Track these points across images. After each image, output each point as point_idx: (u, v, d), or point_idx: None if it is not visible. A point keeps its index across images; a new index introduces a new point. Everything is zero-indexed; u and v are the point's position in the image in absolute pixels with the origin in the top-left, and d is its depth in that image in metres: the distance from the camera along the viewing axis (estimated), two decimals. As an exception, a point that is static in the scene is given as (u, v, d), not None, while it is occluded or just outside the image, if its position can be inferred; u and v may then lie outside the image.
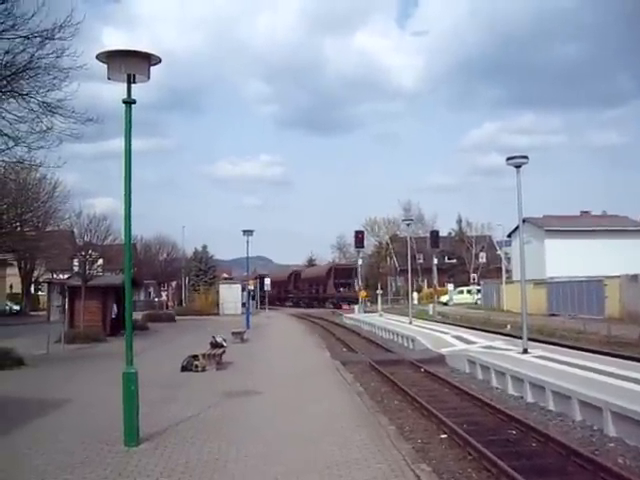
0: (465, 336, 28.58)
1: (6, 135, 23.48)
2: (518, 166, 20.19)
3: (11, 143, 23.50)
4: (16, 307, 64.37)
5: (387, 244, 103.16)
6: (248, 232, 44.36)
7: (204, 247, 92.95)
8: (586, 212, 68.98)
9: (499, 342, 24.95)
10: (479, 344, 24.64)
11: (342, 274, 78.67)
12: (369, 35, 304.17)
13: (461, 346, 24.74)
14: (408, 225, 54.21)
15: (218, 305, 66.49)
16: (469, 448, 10.70)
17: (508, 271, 66.83)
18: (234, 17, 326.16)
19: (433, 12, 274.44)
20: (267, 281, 71.50)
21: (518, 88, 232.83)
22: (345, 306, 71.07)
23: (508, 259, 71.20)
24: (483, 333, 31.14)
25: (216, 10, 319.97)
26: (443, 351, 23.85)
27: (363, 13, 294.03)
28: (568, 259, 52.64)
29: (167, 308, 64.90)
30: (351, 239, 72.64)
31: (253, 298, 63.17)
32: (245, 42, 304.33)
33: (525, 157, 20.14)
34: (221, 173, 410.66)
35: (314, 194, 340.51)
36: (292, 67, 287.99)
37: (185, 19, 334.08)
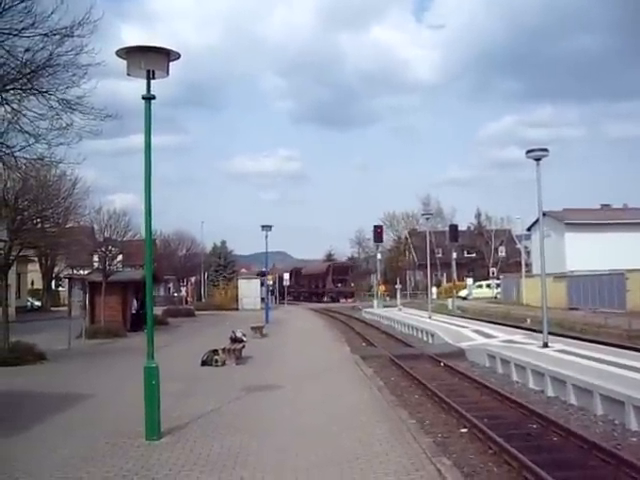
0: (485, 330, 28.50)
1: (27, 132, 23.63)
2: (538, 159, 20.10)
3: (32, 140, 23.64)
4: (37, 303, 64.98)
5: (406, 238, 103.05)
6: (267, 227, 44.43)
7: (223, 242, 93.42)
8: (606, 205, 68.31)
9: (519, 336, 24.89)
10: (499, 338, 24.58)
11: (339, 271, 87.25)
12: (386, 29, 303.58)
13: (481, 340, 24.67)
14: (427, 219, 53.93)
15: (237, 300, 66.69)
16: (490, 442, 10.66)
17: (528, 265, 66.45)
18: (250, 12, 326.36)
19: (450, 5, 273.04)
20: (286, 276, 71.67)
21: (535, 80, 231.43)
22: (342, 299, 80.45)
23: (528, 253, 70.76)
24: (503, 327, 31.04)
25: (232, 5, 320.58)
26: (463, 345, 23.79)
27: (380, 7, 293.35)
28: (588, 252, 52.16)
29: (187, 303, 65.13)
30: (370, 233, 72.75)
31: (272, 293, 63.36)
32: (261, 37, 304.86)
33: (545, 150, 20.05)
34: (239, 168, 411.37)
35: (332, 189, 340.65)
36: (308, 62, 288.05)
37: (202, 15, 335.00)
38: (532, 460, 9.20)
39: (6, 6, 21.65)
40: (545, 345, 20.13)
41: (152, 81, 9.79)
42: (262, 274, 74.56)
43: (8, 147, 23.74)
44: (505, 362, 18.86)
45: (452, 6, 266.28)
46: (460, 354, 22.76)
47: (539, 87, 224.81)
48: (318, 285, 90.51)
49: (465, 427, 12.05)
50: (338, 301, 79.64)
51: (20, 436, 10.34)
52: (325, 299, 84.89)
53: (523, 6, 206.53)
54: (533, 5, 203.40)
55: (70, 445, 9.69)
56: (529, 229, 65.53)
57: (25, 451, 9.40)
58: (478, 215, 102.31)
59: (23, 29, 22.11)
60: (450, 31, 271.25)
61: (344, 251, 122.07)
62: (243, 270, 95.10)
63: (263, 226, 44.48)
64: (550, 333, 21.48)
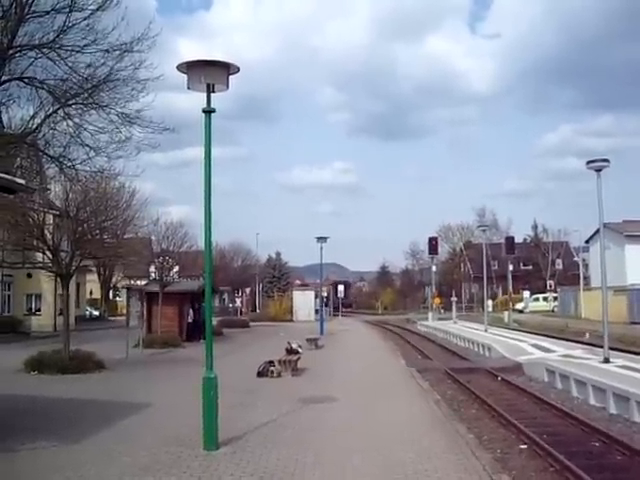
0: (542, 344, 28.03)
1: (87, 146, 24.23)
2: (599, 170, 19.71)
3: (92, 153, 24.22)
4: (95, 312, 66.18)
5: (461, 250, 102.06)
6: (322, 239, 44.39)
7: (278, 254, 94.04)
8: (668, 217, 66.58)
9: (578, 351, 24.40)
10: (557, 352, 24.13)
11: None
12: (441, 39, 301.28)
13: (538, 354, 24.26)
14: (483, 231, 53.28)
15: (292, 311, 66.90)
16: (550, 459, 10.45)
17: (586, 278, 65.20)
18: (306, 25, 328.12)
19: (506, 14, 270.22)
20: (340, 288, 71.63)
21: (594, 89, 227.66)
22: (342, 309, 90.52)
23: (586, 265, 69.41)
24: (561, 341, 30.49)
25: (289, 19, 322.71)
26: (520, 359, 23.43)
27: (434, 17, 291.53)
28: (650, 265, 50.90)
29: (241, 314, 65.58)
30: (424, 245, 72.48)
31: (326, 305, 63.38)
32: (317, 50, 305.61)
33: (606, 160, 19.66)
34: (294, 180, 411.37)
35: (387, 200, 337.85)
36: (364, 74, 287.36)
37: (258, 28, 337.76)
38: None
39: (69, 24, 22.29)
40: (606, 360, 19.66)
41: (212, 94, 9.89)
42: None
43: (70, 160, 24.34)
44: (564, 377, 18.49)
45: (508, 15, 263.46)
46: (517, 368, 22.42)
47: (598, 96, 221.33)
48: None
49: (525, 443, 11.84)
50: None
51: (83, 442, 10.51)
52: None
53: (581, 13, 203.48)
54: (591, 12, 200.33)
55: (130, 453, 9.78)
56: (587, 241, 64.22)
57: (87, 458, 9.53)
58: (535, 227, 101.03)
59: (85, 46, 22.72)
60: (506, 40, 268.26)
61: (398, 263, 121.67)
62: (297, 282, 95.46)
63: (318, 238, 44.44)
64: (611, 348, 20.97)
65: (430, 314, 57.64)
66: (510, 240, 57.74)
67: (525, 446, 11.68)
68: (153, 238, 36.59)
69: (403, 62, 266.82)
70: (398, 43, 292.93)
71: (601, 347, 21.03)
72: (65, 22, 22.31)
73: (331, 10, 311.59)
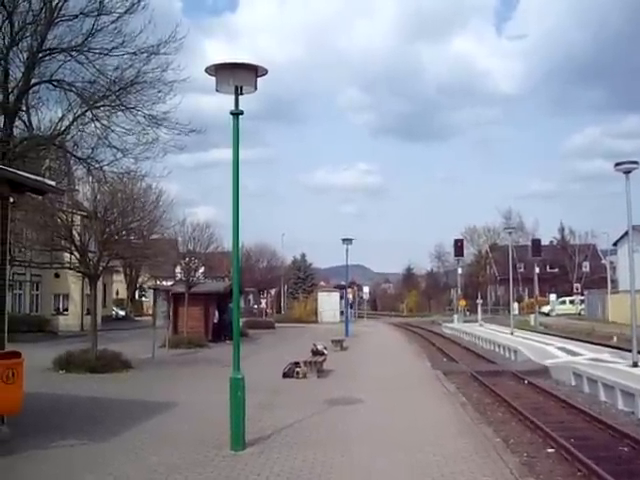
0: (569, 347, 27.78)
1: (115, 147, 24.51)
2: (627, 172, 19.51)
3: (119, 155, 24.51)
4: (122, 312, 66.67)
5: (487, 253, 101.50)
6: (347, 241, 44.30)
7: (303, 255, 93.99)
8: (698, 219, 65.68)
9: (605, 354, 24.16)
10: (584, 356, 23.90)
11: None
12: (466, 40, 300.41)
13: (565, 358, 24.05)
14: (510, 234, 52.87)
15: (317, 313, 66.91)
16: (578, 464, 10.35)
17: (613, 281, 64.57)
18: (332, 26, 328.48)
19: (532, 14, 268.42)
20: (365, 289, 71.55)
21: (622, 89, 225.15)
22: None
23: (613, 268, 68.75)
24: (588, 345, 30.20)
25: (314, 20, 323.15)
26: (547, 363, 23.26)
27: (460, 18, 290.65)
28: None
29: (266, 315, 65.72)
30: (450, 247, 72.21)
31: (351, 306, 63.34)
32: (342, 51, 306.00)
33: (635, 162, 19.45)
34: (318, 182, 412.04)
35: (412, 202, 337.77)
36: (388, 75, 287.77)
37: (283, 29, 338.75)
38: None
39: (98, 27, 22.58)
40: (635, 364, 19.42)
41: (239, 96, 9.91)
42: (341, 287, 75.24)
43: (97, 162, 24.63)
44: (592, 381, 18.33)
45: (535, 15, 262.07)
46: (544, 372, 22.26)
47: (625, 96, 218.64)
48: None
49: (552, 447, 11.75)
50: None
51: (112, 441, 10.63)
52: None
53: (608, 13, 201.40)
54: (618, 12, 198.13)
55: (157, 452, 9.86)
56: (615, 244, 63.58)
57: (115, 456, 9.63)
58: (561, 229, 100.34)
59: (113, 48, 23.02)
60: (532, 41, 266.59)
61: (424, 265, 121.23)
62: (322, 283, 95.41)
63: (344, 239, 44.37)
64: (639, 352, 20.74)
65: (455, 316, 57.41)
66: (536, 242, 57.31)
67: (552, 450, 11.59)
68: (179, 239, 36.82)
69: (428, 63, 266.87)
70: (423, 44, 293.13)
71: (629, 351, 20.79)
72: (93, 25, 22.63)
73: (356, 11, 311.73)
